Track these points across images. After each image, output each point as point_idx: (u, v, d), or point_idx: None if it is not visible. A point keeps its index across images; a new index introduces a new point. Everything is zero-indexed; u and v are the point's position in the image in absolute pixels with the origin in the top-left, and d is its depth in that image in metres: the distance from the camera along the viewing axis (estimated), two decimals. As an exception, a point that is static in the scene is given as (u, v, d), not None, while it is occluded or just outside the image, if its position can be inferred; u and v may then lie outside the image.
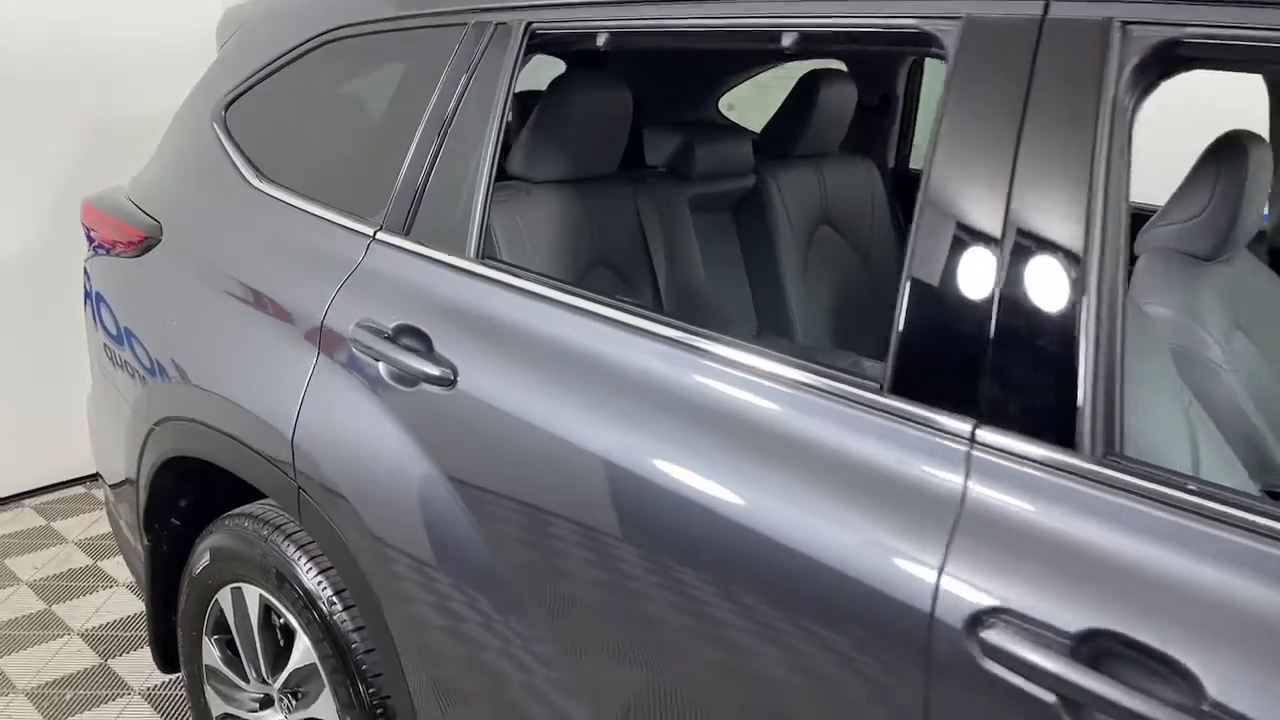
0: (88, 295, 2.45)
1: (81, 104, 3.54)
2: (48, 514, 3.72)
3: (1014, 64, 1.16)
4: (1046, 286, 1.11)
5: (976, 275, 1.16)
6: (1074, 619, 1.01)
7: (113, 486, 2.47)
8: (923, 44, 1.26)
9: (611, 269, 2.20)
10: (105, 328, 2.36)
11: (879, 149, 2.99)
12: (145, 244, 2.27)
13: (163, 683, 2.79)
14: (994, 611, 1.06)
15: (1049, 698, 1.01)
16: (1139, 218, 2.11)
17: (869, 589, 1.14)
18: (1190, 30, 1.07)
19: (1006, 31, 1.18)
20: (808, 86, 2.67)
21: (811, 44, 1.37)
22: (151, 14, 3.55)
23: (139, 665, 2.87)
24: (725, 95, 3.21)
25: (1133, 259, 2.07)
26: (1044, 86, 1.14)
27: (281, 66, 2.14)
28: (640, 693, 1.40)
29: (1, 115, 3.40)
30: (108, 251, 2.40)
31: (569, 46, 1.74)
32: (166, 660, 2.41)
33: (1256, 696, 0.91)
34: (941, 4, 1.23)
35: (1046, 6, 1.16)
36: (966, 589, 1.08)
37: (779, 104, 2.75)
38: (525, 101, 2.49)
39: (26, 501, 3.80)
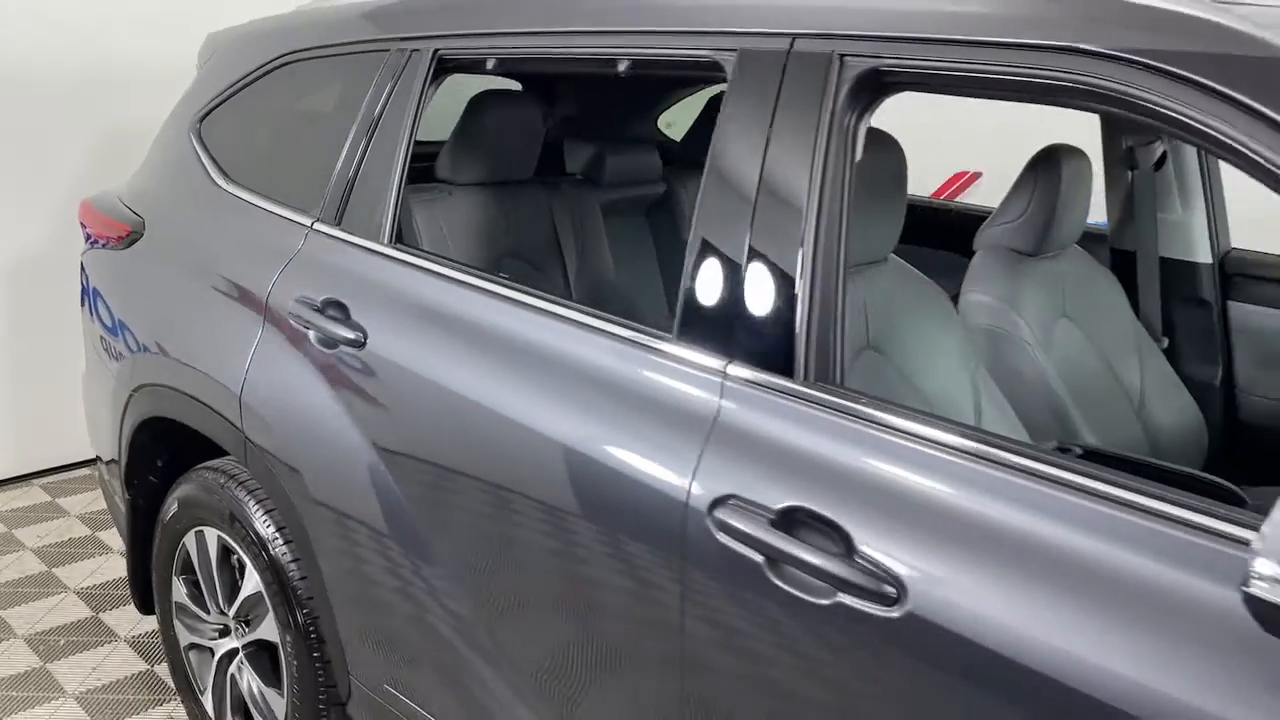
0: (83, 284, 2.81)
1: (93, 118, 3.93)
2: (54, 491, 4.09)
3: (768, 85, 1.51)
4: (777, 260, 1.45)
5: (732, 251, 1.50)
6: (777, 499, 1.35)
7: (106, 463, 2.83)
8: (715, 70, 1.60)
9: (524, 260, 2.55)
10: (96, 312, 2.73)
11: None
12: (131, 238, 2.64)
13: (146, 632, 3.13)
14: (727, 497, 1.40)
15: (758, 558, 1.35)
16: (981, 217, 2.45)
17: (650, 485, 1.48)
18: (888, 62, 1.41)
19: (765, 61, 1.52)
20: (712, 106, 3.02)
21: (638, 70, 1.72)
22: (156, 41, 3.94)
23: (126, 617, 3.21)
24: (664, 114, 3.56)
25: (971, 253, 2.40)
26: (787, 102, 1.48)
27: (247, 84, 2.50)
28: (517, 604, 1.73)
29: (25, 128, 3.79)
30: (100, 245, 2.77)
31: (470, 70, 2.10)
32: (144, 603, 2.75)
33: (884, 543, 1.24)
34: (726, 40, 1.58)
35: (792, 42, 1.50)
36: (711, 481, 1.42)
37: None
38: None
39: (35, 480, 4.16)
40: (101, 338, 2.70)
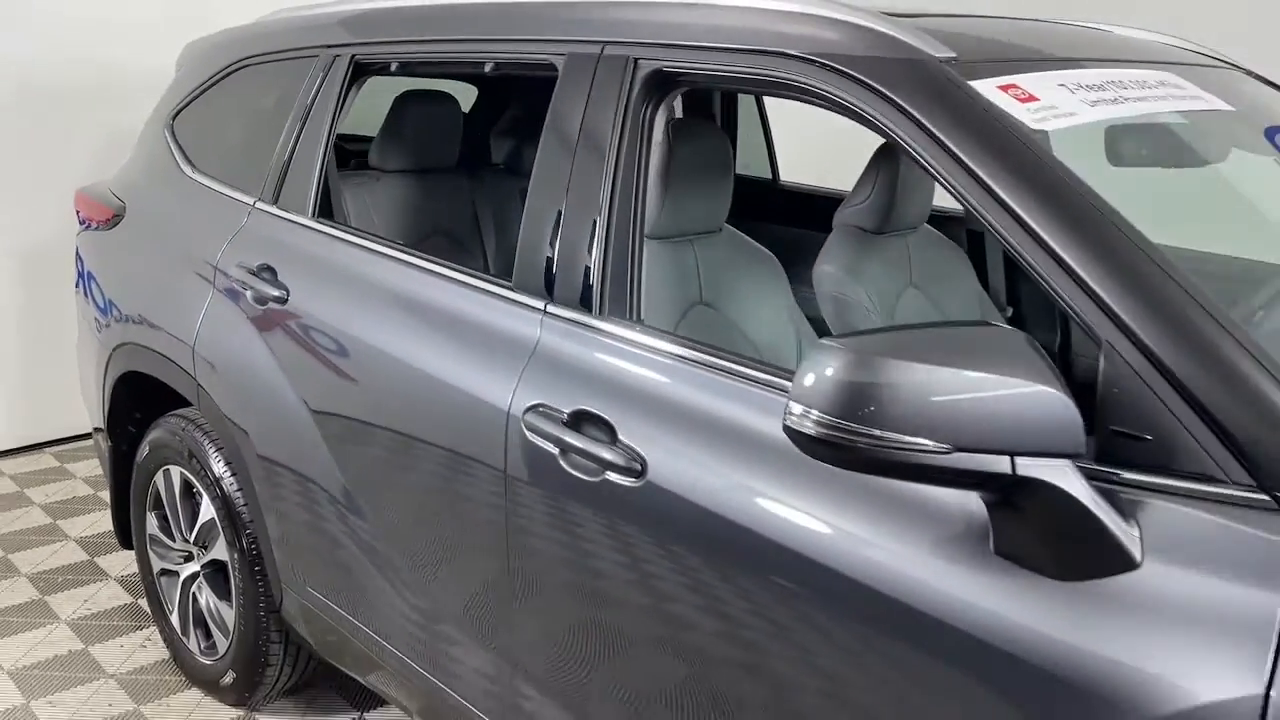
0: (76, 260, 3.23)
1: (96, 121, 4.36)
2: (62, 458, 4.52)
3: (583, 82, 1.88)
4: (583, 223, 1.83)
5: (551, 215, 1.88)
6: (569, 404, 1.72)
7: (96, 429, 3.23)
8: (551, 70, 1.98)
9: (447, 238, 2.94)
10: (86, 286, 3.14)
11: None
12: (114, 220, 3.05)
13: (133, 573, 3.53)
14: (536, 405, 1.77)
15: (554, 449, 1.73)
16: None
17: (487, 400, 1.86)
18: (669, 65, 1.79)
19: (582, 62, 1.90)
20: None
21: (500, 70, 2.11)
22: (155, 52, 4.36)
23: (118, 561, 3.62)
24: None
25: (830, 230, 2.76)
26: (596, 97, 1.86)
27: (211, 86, 2.91)
28: (397, 509, 2.12)
29: (40, 130, 4.24)
30: (91, 227, 3.19)
31: (380, 72, 2.49)
32: (124, 537, 3.16)
33: (636, 432, 1.61)
34: (558, 46, 1.96)
35: (602, 48, 1.88)
36: (526, 394, 1.80)
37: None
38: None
39: (47, 449, 4.60)
40: (89, 307, 3.12)
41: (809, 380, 1.18)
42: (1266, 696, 1.07)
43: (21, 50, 4.18)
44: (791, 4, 1.67)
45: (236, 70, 2.84)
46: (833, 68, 1.55)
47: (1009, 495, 1.20)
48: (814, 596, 1.42)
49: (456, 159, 2.90)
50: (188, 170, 2.88)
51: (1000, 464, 1.14)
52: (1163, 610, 1.15)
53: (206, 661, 2.82)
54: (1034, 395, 1.14)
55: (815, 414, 1.17)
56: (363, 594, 2.26)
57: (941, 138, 1.44)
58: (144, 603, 3.30)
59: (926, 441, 1.14)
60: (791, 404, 1.19)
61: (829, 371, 1.17)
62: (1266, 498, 1.16)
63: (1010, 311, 2.89)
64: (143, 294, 2.85)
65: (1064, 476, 1.16)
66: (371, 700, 2.29)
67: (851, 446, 1.16)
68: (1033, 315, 2.90)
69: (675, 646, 1.60)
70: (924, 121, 1.45)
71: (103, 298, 3.04)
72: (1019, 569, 1.24)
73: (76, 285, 3.24)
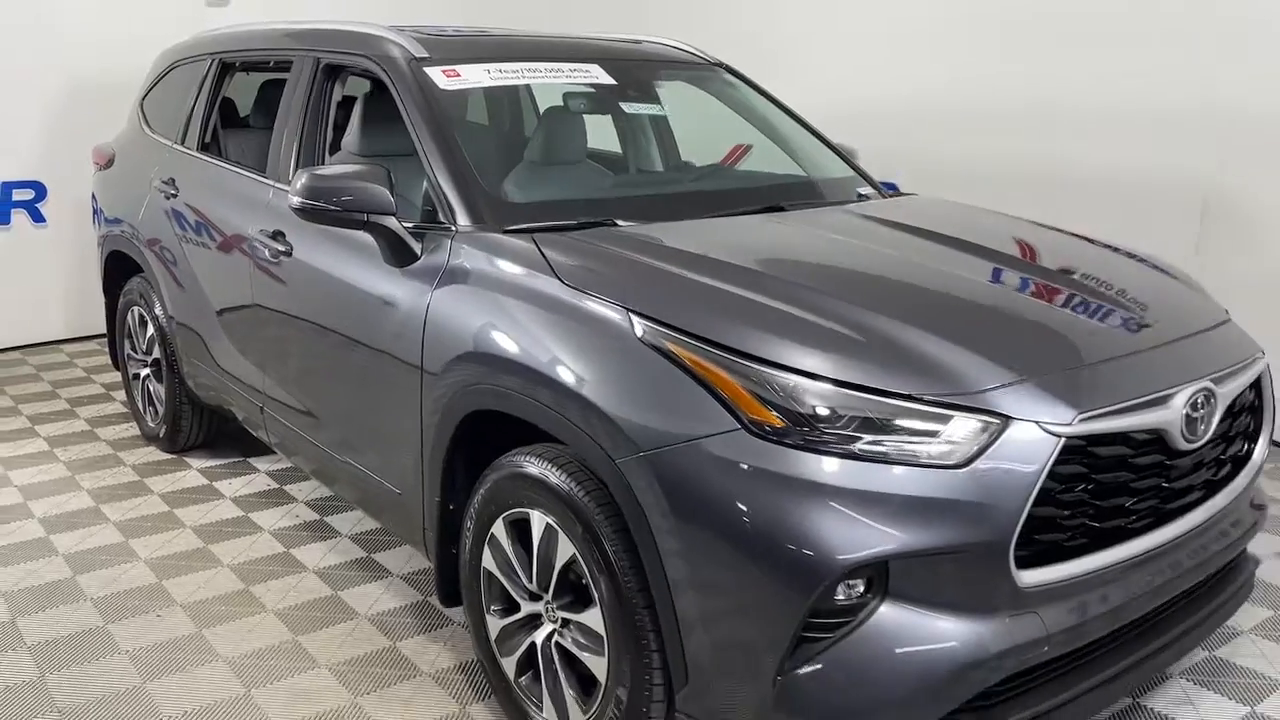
0: (92, 199, 5.15)
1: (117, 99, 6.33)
2: (76, 355, 6.49)
3: (302, 70, 3.69)
4: (282, 142, 3.63)
5: (286, 139, 3.69)
6: (271, 226, 3.53)
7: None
8: (357, 70, 3.73)
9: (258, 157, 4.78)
10: (93, 207, 5.08)
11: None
12: (109, 162, 4.98)
13: (132, 436, 5.44)
14: (262, 229, 3.58)
15: (268, 246, 3.54)
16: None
17: (243, 228, 3.68)
18: (330, 62, 3.59)
19: (301, 59, 3.71)
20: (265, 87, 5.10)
21: (278, 66, 3.94)
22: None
23: (125, 435, 5.53)
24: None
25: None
26: (306, 78, 3.66)
27: (162, 77, 4.81)
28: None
29: (78, 108, 6.21)
30: (99, 168, 5.12)
31: (242, 70, 4.33)
32: (114, 363, 5.09)
33: (292, 235, 3.41)
34: (294, 53, 3.77)
35: (311, 54, 3.67)
36: (262, 223, 3.61)
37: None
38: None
39: (64, 348, 6.57)
40: (96, 228, 5.05)
41: (296, 185, 2.93)
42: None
43: (84, 65, 6.17)
44: (365, 29, 3.43)
45: (174, 69, 4.72)
46: (372, 59, 3.32)
47: (373, 231, 2.93)
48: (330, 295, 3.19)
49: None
50: (146, 130, 4.78)
51: (361, 216, 2.87)
52: (427, 274, 2.86)
53: (151, 424, 4.72)
54: (371, 188, 2.88)
55: (298, 200, 2.93)
56: (216, 362, 4.12)
57: (403, 94, 3.19)
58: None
59: (334, 207, 2.88)
60: (291, 196, 2.95)
61: (303, 178, 2.93)
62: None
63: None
64: (119, 204, 4.76)
65: (392, 222, 2.90)
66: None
67: (315, 210, 2.91)
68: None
69: (301, 343, 3.39)
70: (399, 87, 3.20)
71: (99, 214, 4.97)
72: (393, 267, 2.95)
73: (93, 219, 5.16)
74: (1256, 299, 4.69)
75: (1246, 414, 2.61)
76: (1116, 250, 3.06)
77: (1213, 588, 2.64)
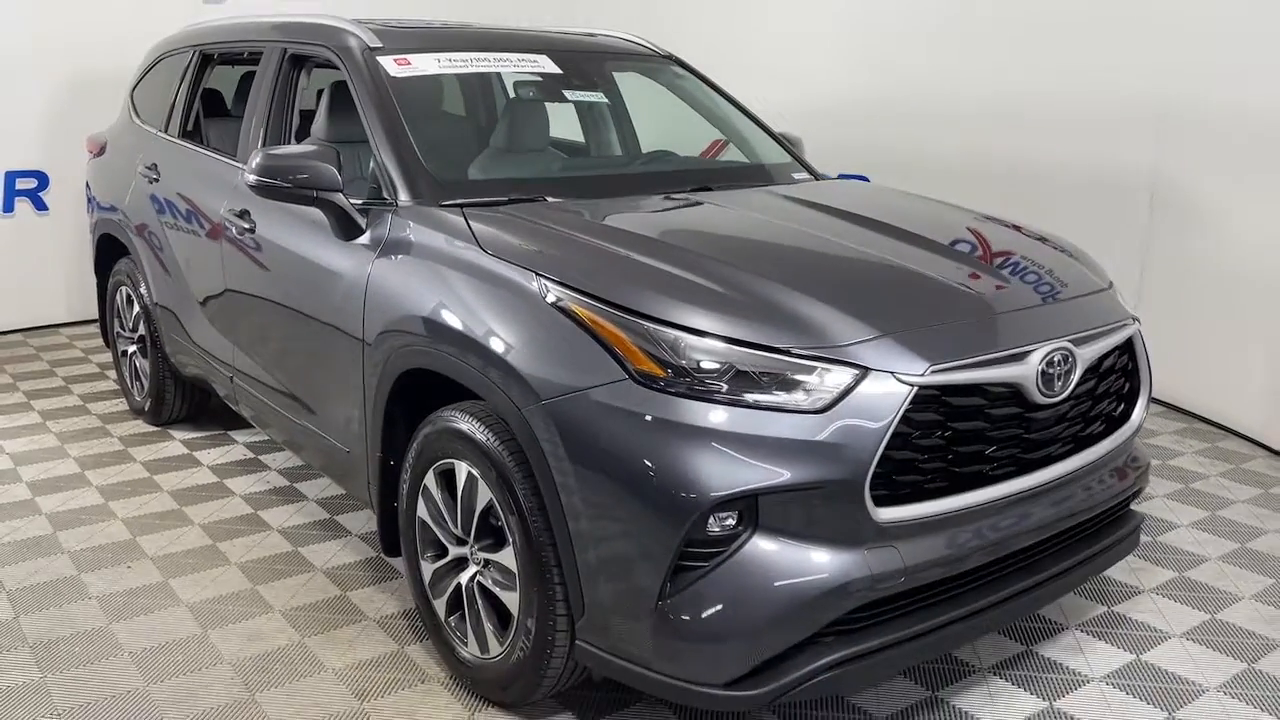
0: (86, 189, 5.41)
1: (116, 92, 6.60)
2: (75, 338, 6.75)
3: (271, 60, 3.94)
4: (251, 127, 3.88)
5: (254, 125, 3.94)
6: (239, 205, 3.77)
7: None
8: (320, 62, 3.98)
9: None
10: (87, 195, 5.34)
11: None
12: (101, 150, 5.24)
13: (121, 411, 5.70)
14: (231, 209, 3.83)
15: (236, 225, 3.78)
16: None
17: (213, 209, 3.93)
18: (295, 52, 3.83)
19: (271, 50, 3.95)
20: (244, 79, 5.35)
21: (250, 57, 4.19)
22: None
23: (115, 410, 5.79)
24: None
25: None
26: (274, 67, 3.91)
27: (151, 69, 5.06)
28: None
29: (79, 100, 6.49)
30: (92, 157, 5.39)
31: (222, 63, 4.58)
32: (105, 341, 5.35)
33: (256, 213, 3.66)
34: (265, 45, 4.02)
35: (284, 49, 3.91)
36: (230, 203, 3.85)
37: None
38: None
39: (63, 331, 6.84)
40: (91, 215, 5.31)
41: (252, 164, 3.17)
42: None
43: (85, 58, 6.45)
44: (327, 20, 3.67)
45: (161, 60, 4.98)
46: (331, 48, 3.56)
47: (322, 206, 3.17)
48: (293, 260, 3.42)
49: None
50: (136, 120, 5.04)
51: (311, 193, 3.12)
52: (370, 246, 3.10)
53: (137, 398, 4.98)
54: (320, 166, 3.11)
55: (253, 178, 3.17)
56: (192, 337, 4.37)
57: (355, 80, 3.42)
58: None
59: (287, 184, 3.12)
60: (247, 174, 3.19)
61: (258, 158, 3.17)
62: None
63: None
64: (110, 191, 5.03)
65: (339, 198, 3.14)
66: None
67: (270, 187, 3.15)
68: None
69: (263, 312, 3.62)
70: (352, 74, 3.44)
71: (92, 200, 5.24)
72: (340, 240, 3.19)
73: (87, 206, 5.42)
74: (1203, 282, 4.89)
75: (1120, 376, 2.81)
76: (1016, 229, 3.27)
77: (1091, 537, 2.84)
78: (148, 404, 4.90)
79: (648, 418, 2.26)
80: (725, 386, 2.27)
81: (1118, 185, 5.25)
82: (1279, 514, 4.06)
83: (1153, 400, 5.24)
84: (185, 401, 4.87)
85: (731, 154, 4.17)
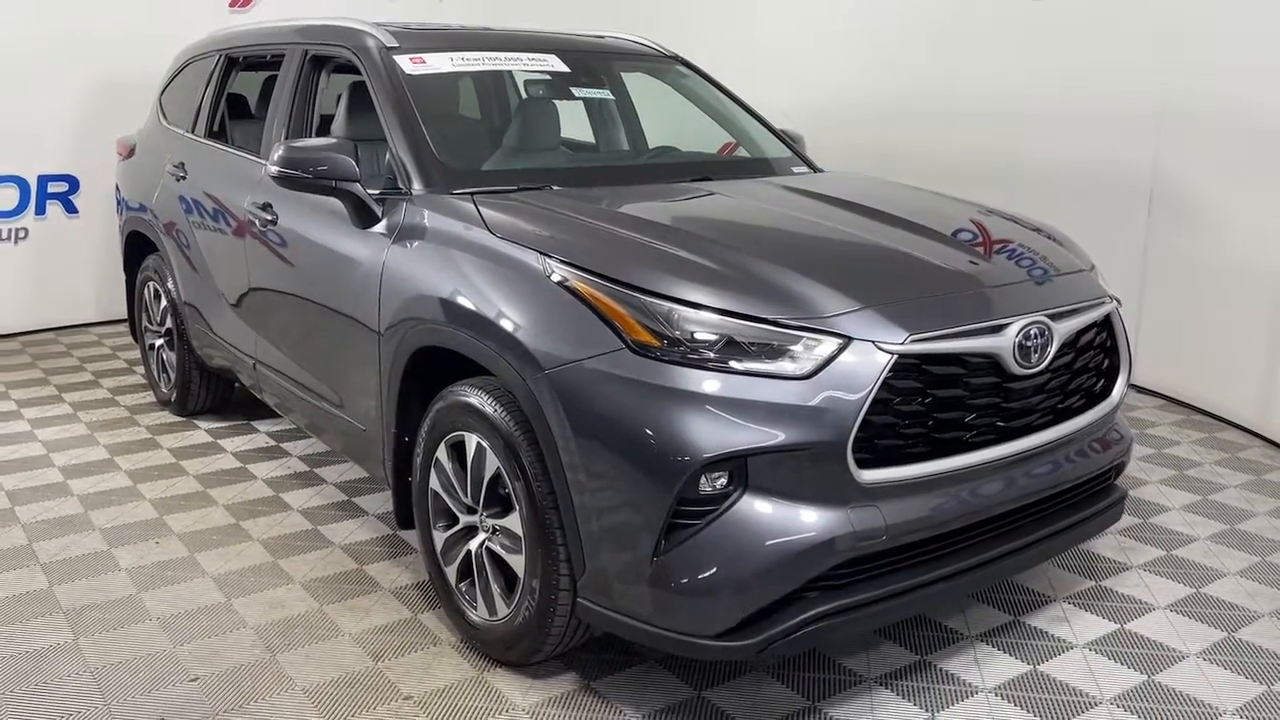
0: (115, 191, 5.61)
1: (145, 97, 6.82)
2: (104, 336, 6.95)
3: (293, 61, 4.12)
4: (273, 125, 4.06)
5: (276, 122, 4.12)
6: (261, 199, 3.95)
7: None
8: (338, 62, 4.16)
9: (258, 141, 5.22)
10: (116, 196, 5.54)
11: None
12: (130, 152, 5.45)
13: (149, 403, 5.90)
14: (254, 202, 4.00)
15: (259, 216, 3.96)
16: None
17: (237, 201, 4.11)
18: (316, 54, 4.01)
19: (293, 52, 4.14)
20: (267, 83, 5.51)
21: (273, 59, 4.37)
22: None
23: (143, 402, 5.99)
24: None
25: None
26: (295, 68, 4.09)
27: (179, 73, 5.26)
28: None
29: (109, 106, 6.71)
30: (121, 159, 5.59)
31: (246, 67, 4.77)
32: (134, 336, 5.54)
33: (278, 205, 3.84)
34: (286, 47, 4.20)
35: (306, 51, 4.09)
36: (255, 197, 4.02)
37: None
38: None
39: (93, 329, 7.05)
40: (119, 216, 5.51)
41: (274, 156, 3.35)
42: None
43: (114, 64, 6.67)
44: (347, 23, 3.85)
45: (189, 65, 5.18)
46: (350, 49, 3.74)
47: (341, 196, 3.34)
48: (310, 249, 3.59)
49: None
50: (164, 122, 5.24)
51: (330, 182, 3.29)
52: (386, 233, 3.26)
53: (164, 389, 5.17)
54: (338, 158, 3.28)
55: (275, 169, 3.35)
56: (214, 328, 4.55)
57: (373, 78, 3.60)
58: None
59: (307, 175, 3.30)
60: (270, 166, 3.37)
61: (280, 150, 3.34)
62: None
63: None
64: (138, 191, 5.22)
65: (357, 188, 3.31)
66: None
67: (291, 177, 3.33)
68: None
69: (285, 298, 3.80)
70: (370, 72, 3.62)
71: (121, 201, 5.44)
72: (357, 228, 3.37)
73: (116, 208, 5.63)
74: (1203, 278, 5.00)
75: (1098, 353, 2.94)
76: (1007, 217, 3.40)
77: (1072, 507, 2.97)
78: (174, 395, 5.08)
79: (644, 384, 2.40)
80: (715, 355, 2.41)
81: (1118, 182, 5.37)
82: (1271, 498, 4.17)
83: (1154, 394, 5.37)
84: (210, 393, 5.04)
85: (736, 150, 4.32)
